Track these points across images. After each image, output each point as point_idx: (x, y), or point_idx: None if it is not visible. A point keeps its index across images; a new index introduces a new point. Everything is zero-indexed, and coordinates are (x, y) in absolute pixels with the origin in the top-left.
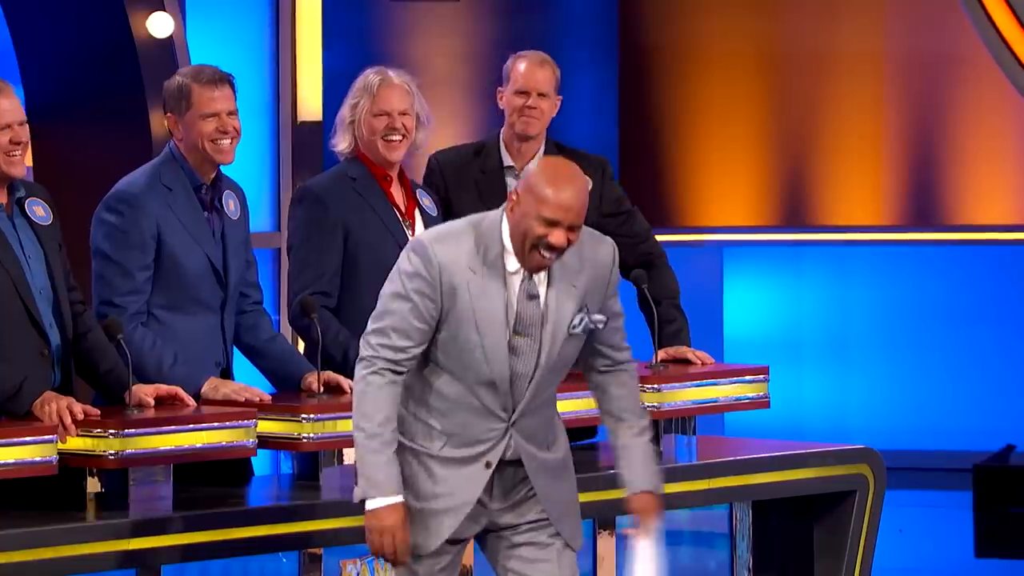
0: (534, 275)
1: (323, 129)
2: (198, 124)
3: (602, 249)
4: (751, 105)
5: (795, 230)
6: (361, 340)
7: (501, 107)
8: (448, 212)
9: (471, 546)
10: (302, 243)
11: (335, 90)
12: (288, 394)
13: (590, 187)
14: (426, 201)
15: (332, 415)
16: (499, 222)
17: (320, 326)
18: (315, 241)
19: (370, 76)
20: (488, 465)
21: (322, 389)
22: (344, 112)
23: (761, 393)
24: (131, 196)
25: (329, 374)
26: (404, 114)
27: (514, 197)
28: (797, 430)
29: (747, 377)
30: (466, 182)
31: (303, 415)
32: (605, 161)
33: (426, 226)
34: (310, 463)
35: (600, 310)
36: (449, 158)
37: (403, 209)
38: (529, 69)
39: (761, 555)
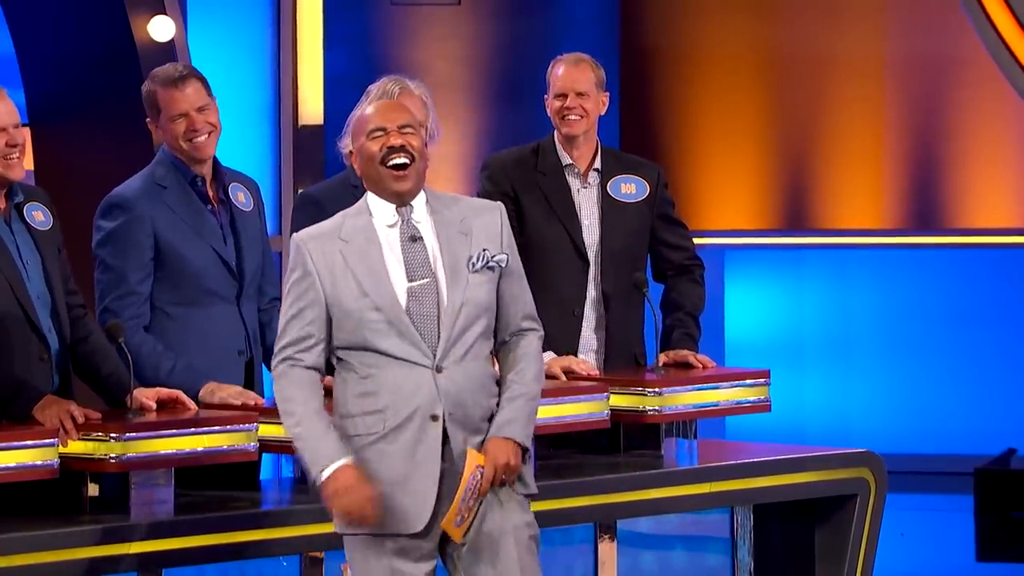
0: (411, 218)
1: (324, 132)
2: (170, 127)
3: (489, 211)
4: (752, 108)
5: (796, 233)
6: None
7: (548, 114)
8: (519, 215)
9: None
10: None
11: (336, 94)
12: None
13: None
14: None
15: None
16: (364, 199)
17: None
18: None
19: (388, 84)
20: (434, 418)
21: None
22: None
23: (762, 397)
24: (123, 199)
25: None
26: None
27: (351, 154)
28: (798, 434)
29: (748, 381)
30: (529, 183)
31: None
32: (660, 169)
33: None
34: None
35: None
36: (511, 159)
37: None
38: (565, 71)
39: (762, 559)
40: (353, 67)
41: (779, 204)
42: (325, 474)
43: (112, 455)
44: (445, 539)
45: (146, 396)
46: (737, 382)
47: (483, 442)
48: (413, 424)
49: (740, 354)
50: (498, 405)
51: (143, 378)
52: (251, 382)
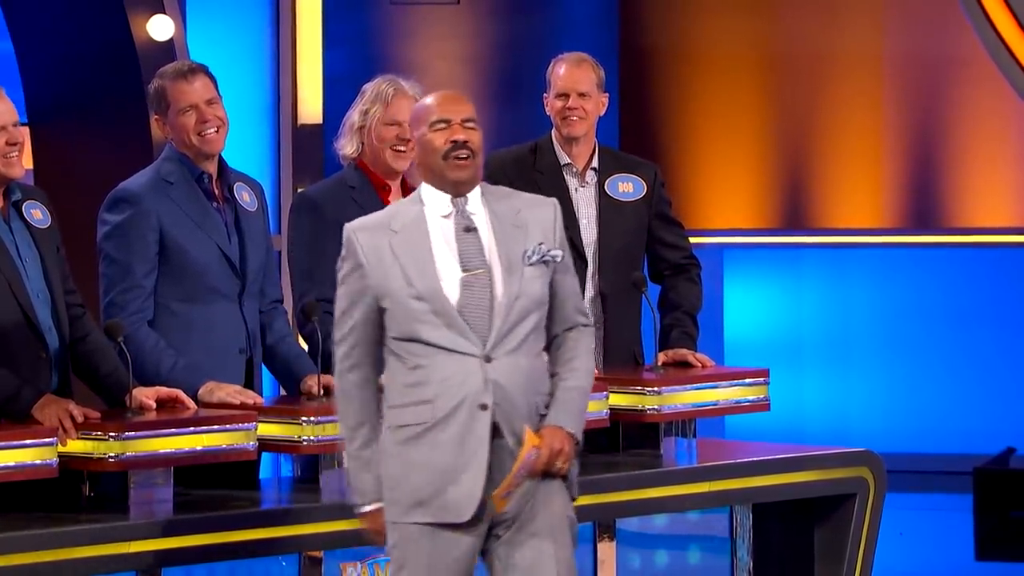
0: (466, 209)
1: (323, 132)
2: (179, 120)
3: (544, 207)
4: (751, 107)
5: (795, 232)
6: None
7: (548, 113)
8: None
9: None
10: (302, 250)
11: (335, 93)
12: (288, 397)
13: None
14: None
15: (332, 418)
16: (418, 190)
17: (321, 330)
18: (315, 248)
19: (383, 85)
20: (483, 407)
21: (322, 392)
22: (354, 117)
23: (761, 396)
24: (129, 194)
25: (329, 377)
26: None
27: (412, 143)
28: (797, 433)
29: (747, 380)
30: (527, 182)
31: (303, 418)
32: (657, 168)
33: None
34: (310, 466)
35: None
36: (509, 158)
37: None
38: (567, 71)
39: (761, 558)
40: (353, 67)
41: (778, 203)
42: (364, 509)
43: (111, 454)
44: (486, 533)
45: (145, 395)
46: (736, 381)
47: (536, 431)
48: (462, 413)
49: (739, 353)
50: (551, 397)
51: (143, 374)
52: (251, 381)
